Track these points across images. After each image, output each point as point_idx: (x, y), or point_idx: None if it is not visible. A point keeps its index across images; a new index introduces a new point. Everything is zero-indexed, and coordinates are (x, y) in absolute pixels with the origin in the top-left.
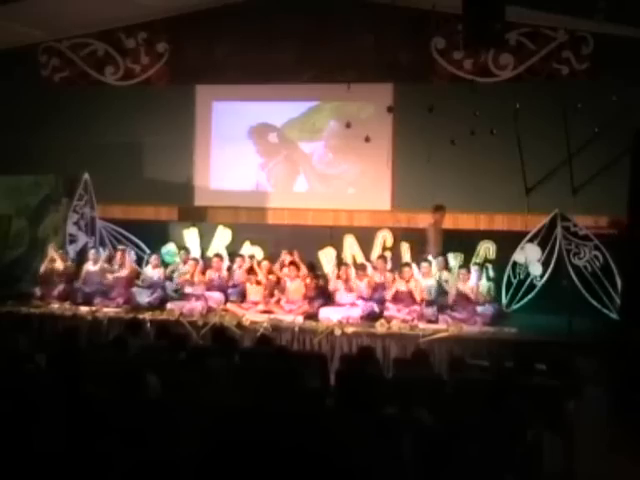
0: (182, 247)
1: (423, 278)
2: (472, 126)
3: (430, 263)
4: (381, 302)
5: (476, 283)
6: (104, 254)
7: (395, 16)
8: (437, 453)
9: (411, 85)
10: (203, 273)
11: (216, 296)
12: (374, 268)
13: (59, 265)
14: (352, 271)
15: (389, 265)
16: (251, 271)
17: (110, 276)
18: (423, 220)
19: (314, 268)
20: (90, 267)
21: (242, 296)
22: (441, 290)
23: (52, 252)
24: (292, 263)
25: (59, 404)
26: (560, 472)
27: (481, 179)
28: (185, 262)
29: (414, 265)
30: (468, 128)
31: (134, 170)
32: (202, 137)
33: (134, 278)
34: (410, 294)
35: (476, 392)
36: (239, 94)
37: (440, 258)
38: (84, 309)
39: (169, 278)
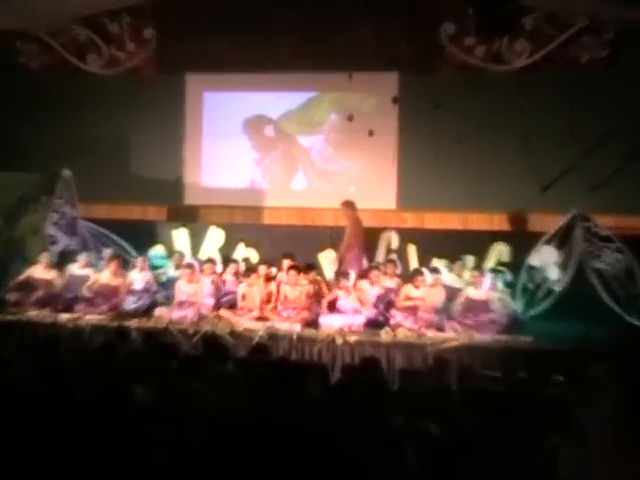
0: (176, 251)
1: (432, 287)
2: (483, 119)
3: (439, 272)
4: (386, 309)
5: (490, 289)
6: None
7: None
8: (445, 468)
9: (418, 74)
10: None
11: (208, 303)
12: (383, 273)
13: (42, 273)
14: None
15: (399, 269)
16: (246, 275)
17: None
18: (432, 220)
19: (314, 268)
20: (75, 271)
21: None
22: (451, 297)
23: (41, 259)
24: (293, 267)
25: (39, 415)
26: None
27: (494, 176)
28: (178, 266)
29: (426, 271)
30: (479, 121)
31: (119, 166)
32: (193, 130)
33: (125, 288)
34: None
35: (487, 404)
36: (232, 84)
37: (460, 263)
38: (64, 316)
39: (159, 283)
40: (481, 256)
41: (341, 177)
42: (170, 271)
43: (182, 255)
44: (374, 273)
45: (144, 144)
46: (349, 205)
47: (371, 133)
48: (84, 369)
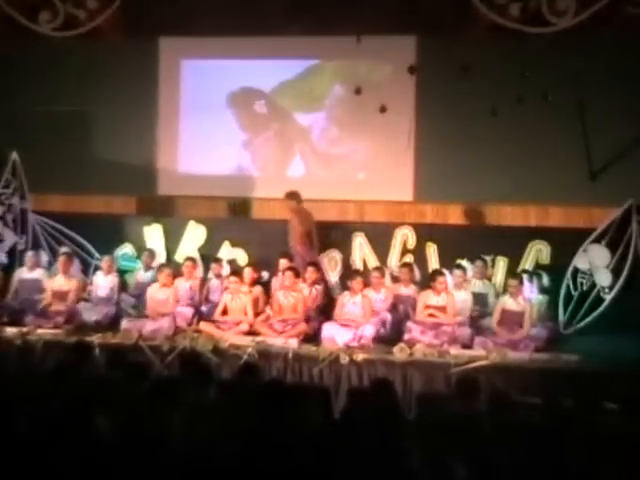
0: (145, 249)
1: (456, 290)
2: (520, 91)
3: (464, 270)
4: (400, 321)
5: (529, 298)
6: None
7: None
8: None
9: (440, 38)
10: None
11: (186, 312)
12: (395, 280)
13: None
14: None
15: (417, 276)
16: (234, 276)
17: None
18: (456, 215)
19: (319, 267)
20: (25, 275)
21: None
22: (480, 305)
23: None
24: (290, 269)
25: None
26: None
27: (531, 161)
28: (148, 268)
29: (448, 273)
30: (515, 94)
31: (79, 149)
32: (168, 106)
33: (81, 292)
34: (441, 310)
35: (524, 438)
36: (215, 50)
37: (478, 263)
38: (11, 330)
39: (127, 290)
40: (515, 257)
41: (347, 163)
42: (139, 274)
43: (152, 253)
44: (374, 275)
45: (109, 122)
46: (293, 196)
47: (383, 109)
48: (34, 396)
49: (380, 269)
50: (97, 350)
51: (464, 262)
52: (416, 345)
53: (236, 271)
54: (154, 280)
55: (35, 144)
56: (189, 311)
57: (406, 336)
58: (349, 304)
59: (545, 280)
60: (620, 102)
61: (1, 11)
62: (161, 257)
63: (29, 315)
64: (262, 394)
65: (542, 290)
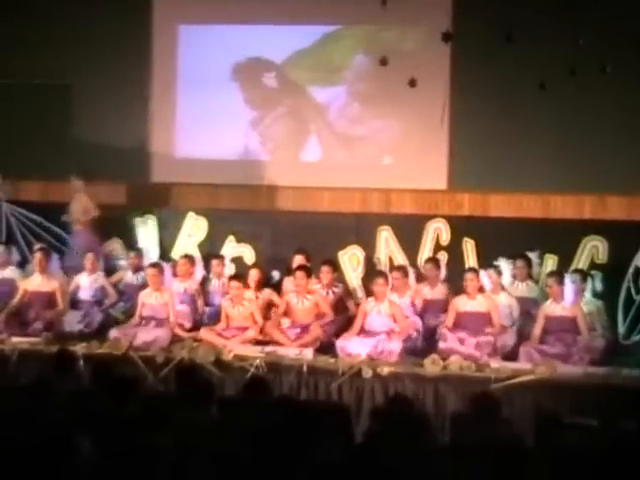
0: (133, 248)
1: (492, 293)
2: (573, 61)
3: (499, 272)
4: (433, 329)
5: (574, 301)
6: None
7: None
8: None
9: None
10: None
11: (184, 311)
12: (420, 278)
13: None
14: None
15: (443, 272)
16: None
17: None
18: (498, 205)
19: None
20: None
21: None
22: (528, 312)
23: None
24: (301, 268)
25: None
26: None
27: (586, 143)
28: (137, 269)
29: (483, 273)
30: (567, 64)
31: (59, 129)
32: (163, 78)
33: (63, 293)
34: (480, 317)
35: (579, 467)
36: (218, 14)
37: (519, 262)
38: None
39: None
40: (567, 255)
41: (371, 144)
42: (127, 275)
43: (140, 253)
44: (395, 275)
45: (94, 97)
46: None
47: (413, 83)
48: (8, 415)
49: (402, 268)
50: (81, 361)
51: (502, 262)
52: (451, 357)
53: (237, 275)
54: (145, 283)
55: (8, 122)
56: (187, 311)
57: (442, 344)
58: (372, 313)
59: (597, 282)
60: None
61: None
62: (155, 255)
63: (2, 322)
64: (271, 413)
65: (594, 293)
